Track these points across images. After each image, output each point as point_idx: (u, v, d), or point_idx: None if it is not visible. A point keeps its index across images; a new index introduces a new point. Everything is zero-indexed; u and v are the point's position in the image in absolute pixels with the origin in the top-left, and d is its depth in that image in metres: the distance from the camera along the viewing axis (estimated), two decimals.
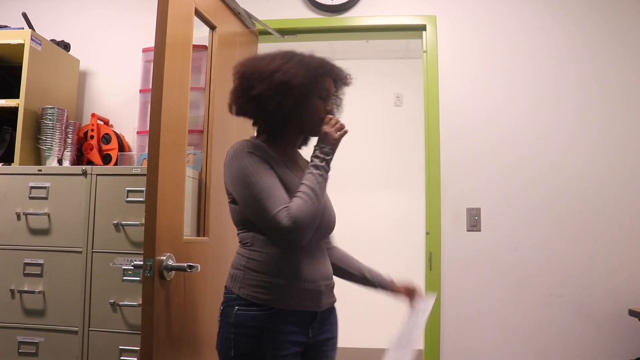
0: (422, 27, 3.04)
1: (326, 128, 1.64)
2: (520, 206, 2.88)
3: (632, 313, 2.64)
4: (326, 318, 1.69)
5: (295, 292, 1.57)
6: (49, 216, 2.47)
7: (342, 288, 1.83)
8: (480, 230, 2.88)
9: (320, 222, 1.60)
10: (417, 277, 3.10)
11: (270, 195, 1.52)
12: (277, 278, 1.56)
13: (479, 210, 2.88)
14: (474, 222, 2.88)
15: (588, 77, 2.94)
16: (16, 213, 2.48)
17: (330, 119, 1.66)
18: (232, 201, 1.63)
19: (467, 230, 2.88)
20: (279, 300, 1.55)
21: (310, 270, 1.61)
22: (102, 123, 2.98)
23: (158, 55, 1.85)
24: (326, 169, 1.60)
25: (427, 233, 2.90)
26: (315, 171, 1.58)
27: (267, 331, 1.53)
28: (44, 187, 2.49)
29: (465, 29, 3.04)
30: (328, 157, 1.61)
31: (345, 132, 1.66)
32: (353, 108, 5.04)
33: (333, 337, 1.73)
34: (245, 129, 2.80)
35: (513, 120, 2.94)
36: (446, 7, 3.06)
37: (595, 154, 2.89)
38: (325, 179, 1.60)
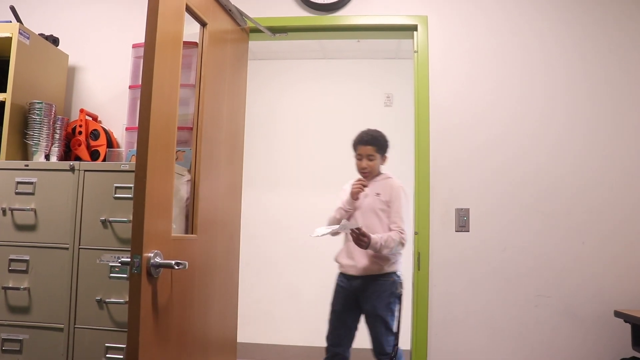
0: (414, 27, 3.05)
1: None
2: (509, 207, 2.90)
3: (618, 314, 2.66)
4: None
5: None
6: (35, 212, 2.45)
7: None
8: (468, 231, 2.89)
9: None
10: (405, 277, 3.11)
11: None
12: None
13: (467, 210, 2.90)
14: (462, 222, 2.89)
15: (578, 78, 2.96)
16: (2, 208, 2.46)
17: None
18: None
19: (456, 231, 2.89)
20: None
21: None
22: (90, 119, 2.95)
23: (148, 51, 1.83)
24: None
25: (415, 233, 2.90)
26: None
27: None
28: (31, 183, 2.47)
29: (456, 30, 3.05)
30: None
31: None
32: (343, 107, 5.05)
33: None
34: (234, 127, 2.80)
35: (503, 121, 2.96)
36: (437, 8, 3.06)
37: (585, 156, 2.91)
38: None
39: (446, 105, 2.98)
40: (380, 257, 2.79)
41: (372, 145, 2.93)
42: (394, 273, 2.84)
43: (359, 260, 2.83)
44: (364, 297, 2.82)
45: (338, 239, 3.03)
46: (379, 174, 2.99)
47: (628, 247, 2.84)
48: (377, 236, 2.71)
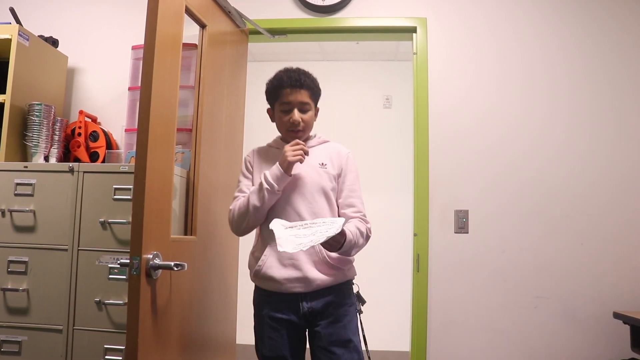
0: (413, 29, 3.05)
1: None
2: (508, 209, 2.90)
3: (617, 315, 2.66)
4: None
5: None
6: (34, 213, 2.44)
7: None
8: (468, 233, 2.89)
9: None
10: (404, 279, 3.12)
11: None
12: None
13: (466, 212, 2.90)
14: (461, 224, 2.89)
15: (580, 82, 2.96)
16: (1, 210, 2.45)
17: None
18: None
19: (455, 232, 2.89)
20: None
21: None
22: (90, 120, 2.95)
23: (147, 52, 1.84)
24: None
25: (414, 234, 2.91)
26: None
27: None
28: (30, 184, 2.47)
29: (455, 32, 3.05)
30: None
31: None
32: (342, 109, 5.05)
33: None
34: (233, 129, 2.80)
35: (503, 124, 2.96)
36: (437, 10, 3.07)
37: (585, 159, 2.91)
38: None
39: (446, 108, 2.98)
40: (338, 259, 1.92)
41: (306, 89, 2.00)
42: (352, 279, 2.04)
43: (308, 269, 1.88)
44: (321, 320, 1.91)
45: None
46: (311, 135, 2.13)
47: (627, 249, 2.84)
48: (349, 232, 1.84)
